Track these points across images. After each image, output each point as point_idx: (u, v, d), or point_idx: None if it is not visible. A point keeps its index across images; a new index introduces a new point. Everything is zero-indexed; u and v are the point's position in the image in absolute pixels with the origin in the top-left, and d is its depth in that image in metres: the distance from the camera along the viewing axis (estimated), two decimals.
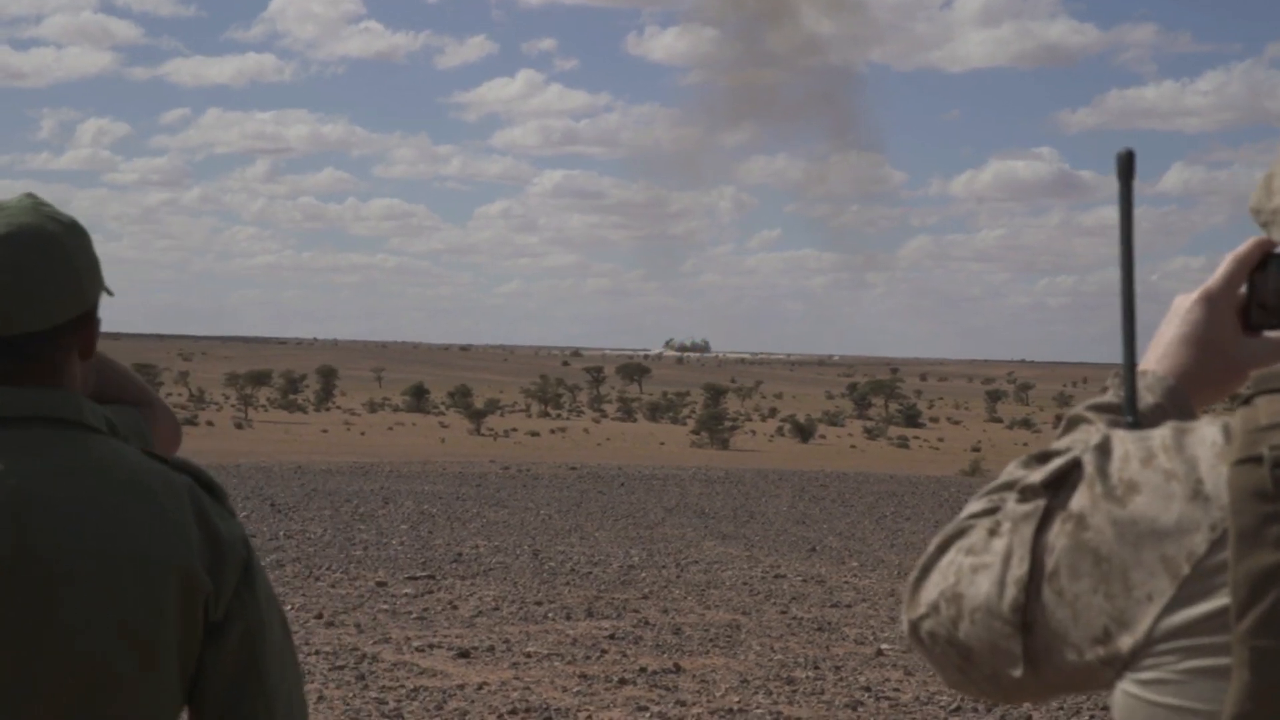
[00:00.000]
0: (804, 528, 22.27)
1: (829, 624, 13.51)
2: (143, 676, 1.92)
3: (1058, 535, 1.30)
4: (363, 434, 57.01)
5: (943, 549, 1.42)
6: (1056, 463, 1.35)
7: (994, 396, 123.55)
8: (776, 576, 16.63)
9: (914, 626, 1.42)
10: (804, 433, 65.36)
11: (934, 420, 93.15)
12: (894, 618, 13.99)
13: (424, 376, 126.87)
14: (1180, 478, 1.26)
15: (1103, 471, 1.30)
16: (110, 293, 2.06)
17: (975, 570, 1.36)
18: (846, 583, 16.38)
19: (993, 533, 1.36)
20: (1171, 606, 1.23)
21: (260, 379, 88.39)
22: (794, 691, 10.57)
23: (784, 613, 14.09)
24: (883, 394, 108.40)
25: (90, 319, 2.02)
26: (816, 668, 11.43)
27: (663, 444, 56.18)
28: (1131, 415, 1.44)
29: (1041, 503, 1.33)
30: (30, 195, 2.05)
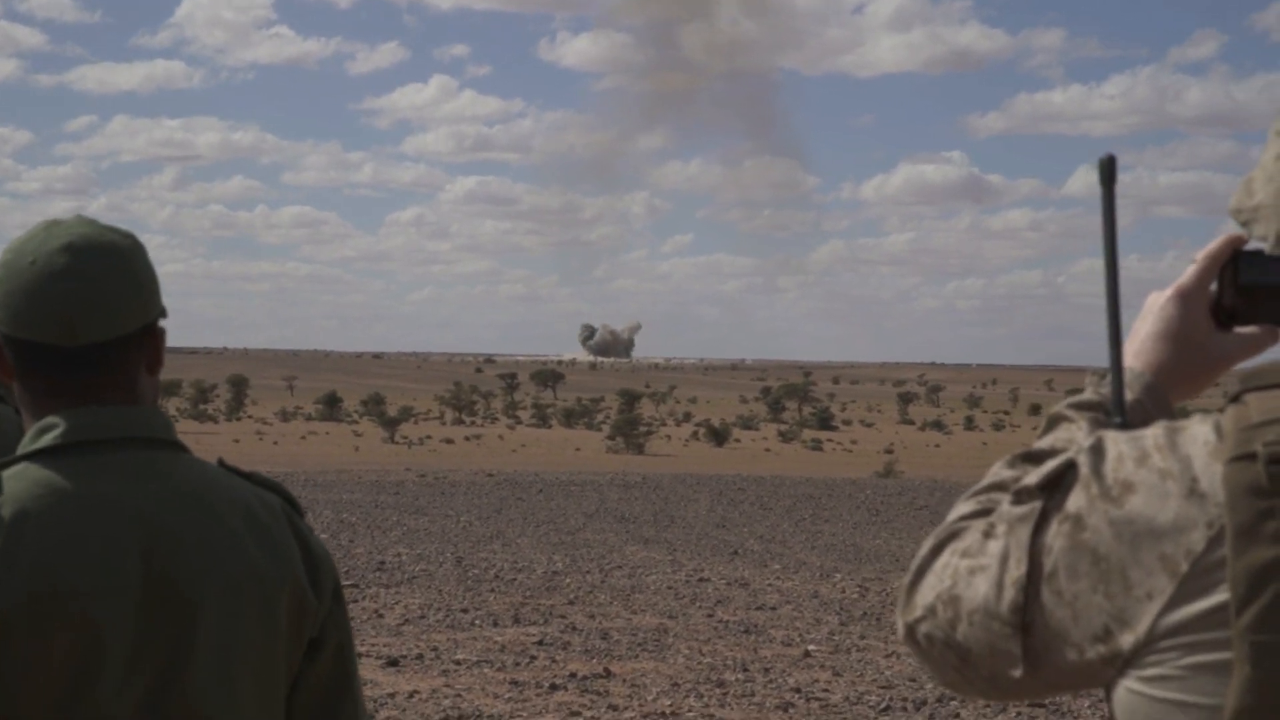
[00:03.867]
0: (725, 531, 22.34)
1: (755, 626, 13.55)
2: (259, 697, 1.93)
3: (1055, 536, 1.32)
4: (275, 443, 56.49)
5: (936, 551, 1.43)
6: (1051, 464, 1.36)
7: (905, 399, 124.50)
8: (700, 580, 16.66)
9: (910, 629, 1.43)
10: (719, 437, 65.52)
11: (847, 423, 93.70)
12: (819, 619, 14.07)
13: (337, 385, 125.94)
14: (1175, 476, 1.28)
15: (1098, 472, 1.32)
16: (164, 313, 2.04)
17: (972, 572, 1.37)
18: (770, 585, 16.44)
19: (988, 535, 1.38)
20: (1171, 604, 1.25)
21: (170, 389, 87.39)
22: (725, 694, 10.59)
23: (710, 616, 14.12)
24: (796, 397, 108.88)
25: (155, 331, 1.99)
26: (746, 670, 11.46)
27: (578, 450, 56.12)
28: (1120, 416, 1.46)
29: (1038, 504, 1.34)
30: (82, 216, 2.01)
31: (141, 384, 1.96)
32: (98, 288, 1.89)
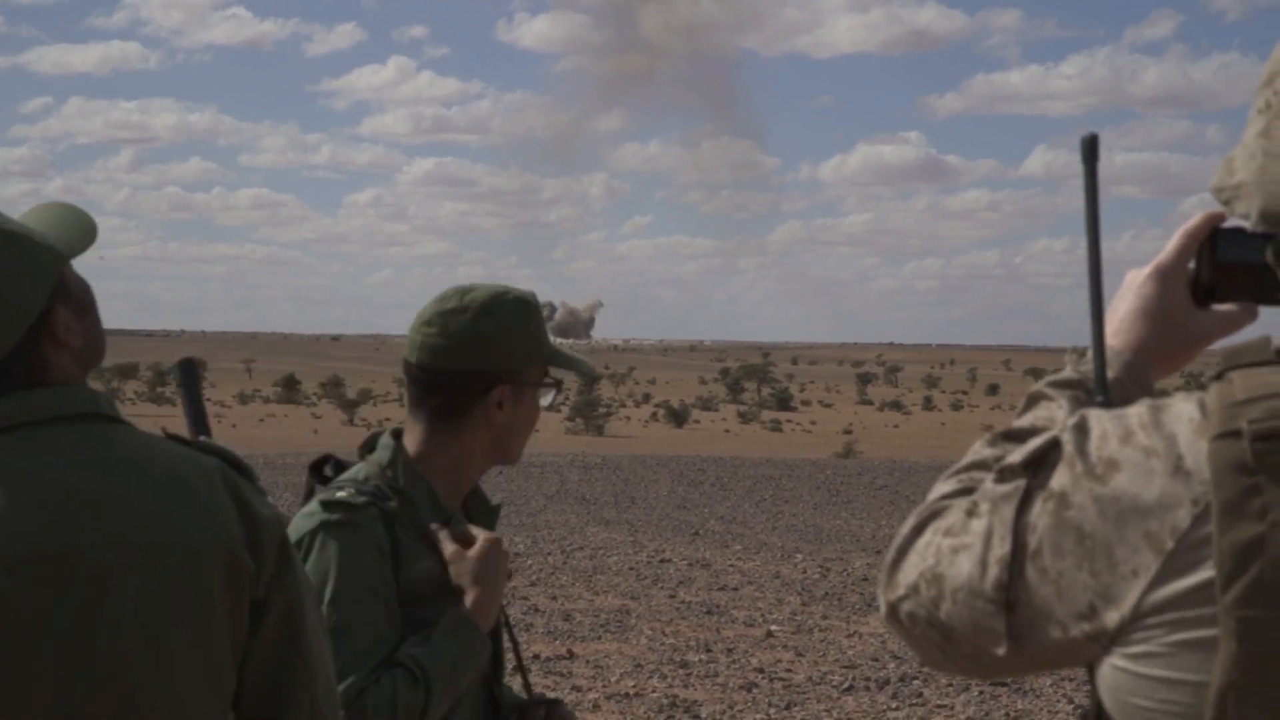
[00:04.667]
0: (686, 512, 22.36)
1: (717, 607, 13.57)
2: (196, 664, 1.90)
3: (1039, 514, 1.32)
4: (234, 426, 56.25)
5: (918, 530, 1.44)
6: (1035, 443, 1.36)
7: (864, 379, 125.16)
8: (662, 561, 16.68)
9: (892, 608, 1.44)
10: (678, 418, 65.61)
11: (806, 403, 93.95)
12: (781, 600, 14.11)
13: (295, 367, 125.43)
14: (1160, 454, 1.28)
15: (1082, 450, 1.32)
16: (81, 250, 1.97)
17: (955, 551, 1.37)
18: (732, 566, 16.47)
19: (971, 513, 1.38)
20: (1157, 581, 1.26)
21: (127, 372, 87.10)
22: (688, 675, 10.61)
23: (672, 597, 14.13)
24: (755, 378, 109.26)
25: (48, 313, 1.91)
26: (709, 650, 11.48)
27: (538, 431, 55.44)
28: (1103, 394, 1.46)
29: (1022, 483, 1.35)
30: None
31: (51, 363, 1.91)
32: None
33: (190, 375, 2.44)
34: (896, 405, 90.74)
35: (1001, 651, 1.35)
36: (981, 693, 10.26)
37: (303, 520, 2.58)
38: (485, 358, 2.70)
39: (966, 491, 1.44)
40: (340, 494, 2.61)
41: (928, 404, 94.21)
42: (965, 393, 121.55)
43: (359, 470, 2.71)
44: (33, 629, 1.80)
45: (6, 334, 1.86)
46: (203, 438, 2.10)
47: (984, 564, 1.34)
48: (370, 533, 2.58)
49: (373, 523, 2.59)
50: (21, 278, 1.88)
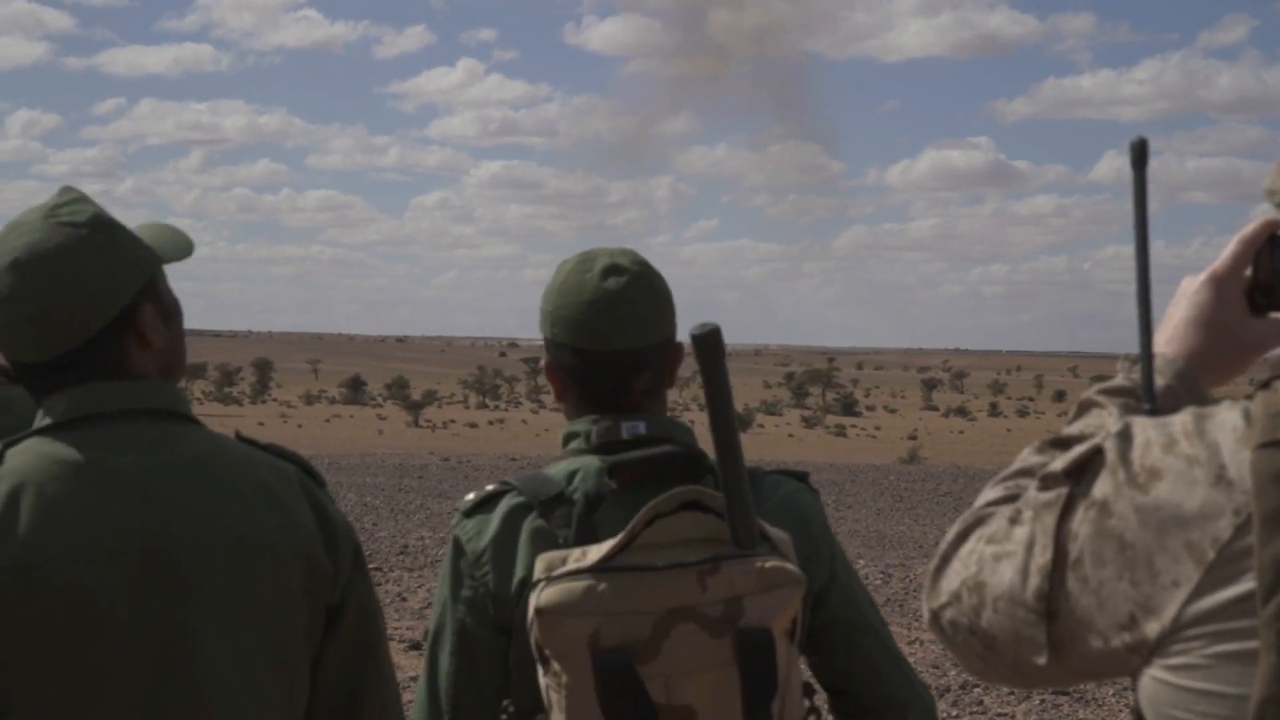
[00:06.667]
0: None
1: None
2: (271, 665, 1.93)
3: (1081, 523, 1.31)
4: (300, 426, 56.74)
5: (962, 537, 1.43)
6: (1078, 450, 1.35)
7: (929, 385, 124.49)
8: None
9: (935, 615, 1.43)
10: (742, 422, 65.45)
11: (870, 409, 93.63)
12: None
13: (361, 368, 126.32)
14: (1202, 463, 1.26)
15: (1125, 458, 1.30)
16: (175, 259, 2.01)
17: (997, 558, 1.36)
18: None
19: (1014, 521, 1.37)
20: (1198, 592, 1.24)
21: (195, 371, 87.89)
22: None
23: None
24: (820, 383, 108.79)
25: (135, 309, 1.94)
26: None
27: None
28: (1150, 402, 1.44)
29: (1064, 490, 1.33)
30: (70, 188, 1.99)
31: (134, 360, 1.94)
32: (46, 306, 1.87)
33: (714, 349, 2.03)
34: (962, 411, 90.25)
35: (1042, 661, 1.34)
36: (1043, 701, 10.18)
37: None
38: (672, 316, 2.39)
39: (1011, 498, 1.42)
40: None
41: (994, 410, 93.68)
42: (1031, 399, 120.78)
43: None
44: (123, 627, 1.83)
45: (90, 319, 1.90)
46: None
47: (1025, 572, 1.33)
48: None
49: None
50: (113, 269, 1.93)
